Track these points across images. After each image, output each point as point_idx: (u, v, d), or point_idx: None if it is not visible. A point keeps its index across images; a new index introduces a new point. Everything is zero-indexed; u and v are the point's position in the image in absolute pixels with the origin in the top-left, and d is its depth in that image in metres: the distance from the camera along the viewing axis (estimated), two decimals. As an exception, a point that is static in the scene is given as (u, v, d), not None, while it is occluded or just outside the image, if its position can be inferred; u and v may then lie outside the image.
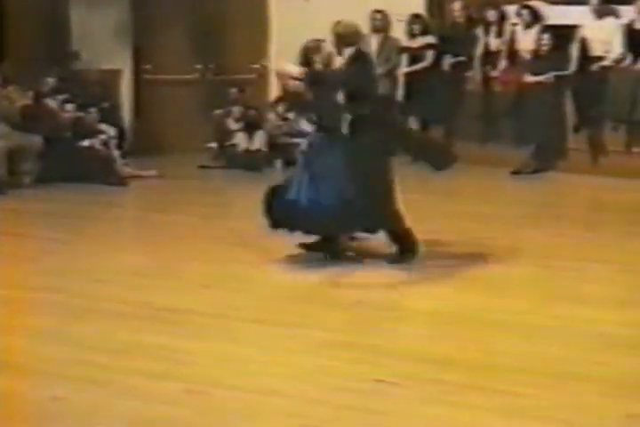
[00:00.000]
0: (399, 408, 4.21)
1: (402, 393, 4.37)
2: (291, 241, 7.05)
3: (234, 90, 11.34)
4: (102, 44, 11.74)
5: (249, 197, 7.55)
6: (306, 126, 11.41)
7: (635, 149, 10.34)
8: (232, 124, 11.10)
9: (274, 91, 11.77)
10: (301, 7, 12.27)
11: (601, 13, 10.54)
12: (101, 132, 10.42)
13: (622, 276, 6.51)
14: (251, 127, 11.06)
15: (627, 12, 10.50)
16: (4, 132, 9.90)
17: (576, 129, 10.68)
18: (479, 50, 11.22)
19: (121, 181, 9.88)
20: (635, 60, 10.42)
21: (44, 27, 11.85)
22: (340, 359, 4.81)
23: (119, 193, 9.65)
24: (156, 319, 5.44)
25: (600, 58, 10.51)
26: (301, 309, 5.81)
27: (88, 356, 4.77)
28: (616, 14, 10.57)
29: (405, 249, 6.75)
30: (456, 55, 11.28)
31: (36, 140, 10.02)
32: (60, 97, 10.69)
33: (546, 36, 10.51)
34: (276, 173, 9.83)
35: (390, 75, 11.49)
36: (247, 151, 10.87)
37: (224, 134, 11.07)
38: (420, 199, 9.45)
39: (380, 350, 4.94)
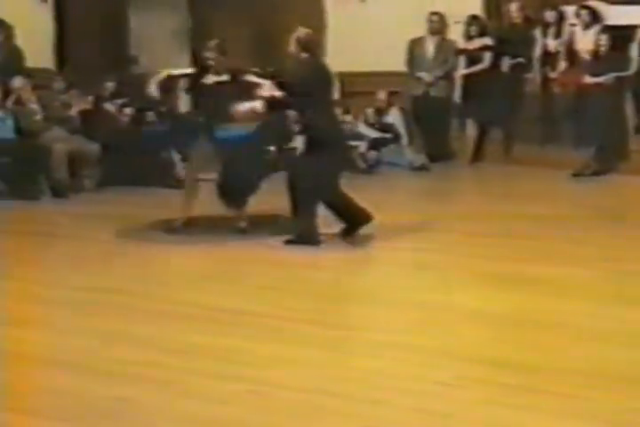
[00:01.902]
0: (460, 410, 4.20)
1: (462, 395, 4.35)
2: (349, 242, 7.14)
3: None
4: (161, 48, 11.85)
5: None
6: (364, 129, 11.47)
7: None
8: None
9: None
10: (357, 9, 12.29)
11: (661, 13, 10.46)
12: (160, 135, 10.51)
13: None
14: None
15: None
16: (62, 135, 10.02)
17: (637, 130, 10.57)
18: (538, 51, 11.17)
19: (181, 185, 9.92)
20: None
21: (103, 32, 12.01)
22: (400, 361, 4.81)
23: (179, 196, 9.70)
24: (218, 321, 5.47)
25: (661, 58, 10.43)
26: (360, 310, 5.83)
27: (153, 357, 4.82)
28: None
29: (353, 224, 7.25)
30: (514, 56, 11.24)
31: (94, 145, 10.14)
32: (119, 101, 10.81)
33: (605, 37, 10.41)
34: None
35: (448, 77, 11.49)
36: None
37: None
38: (478, 201, 9.46)
39: (440, 351, 4.93)
